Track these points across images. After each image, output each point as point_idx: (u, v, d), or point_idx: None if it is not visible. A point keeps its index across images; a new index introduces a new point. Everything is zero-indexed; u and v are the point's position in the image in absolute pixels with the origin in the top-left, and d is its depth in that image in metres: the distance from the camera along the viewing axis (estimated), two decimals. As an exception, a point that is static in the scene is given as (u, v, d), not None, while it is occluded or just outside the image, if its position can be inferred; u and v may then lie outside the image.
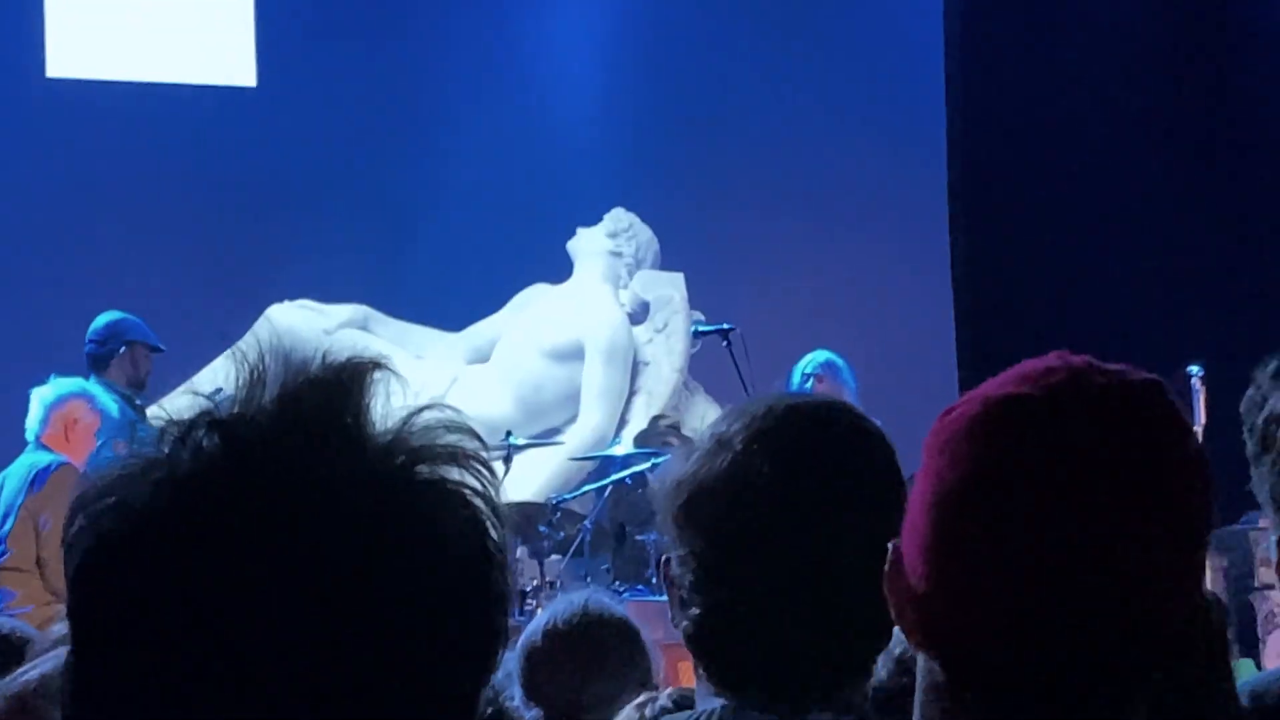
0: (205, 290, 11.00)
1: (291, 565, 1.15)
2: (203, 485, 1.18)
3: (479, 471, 1.26)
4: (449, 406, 1.27)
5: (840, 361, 9.42)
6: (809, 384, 9.09)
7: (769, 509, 2.05)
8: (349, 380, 1.25)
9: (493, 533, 1.26)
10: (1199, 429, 9.13)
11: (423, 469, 1.24)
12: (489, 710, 3.53)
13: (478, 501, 1.25)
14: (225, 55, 11.47)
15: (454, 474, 1.25)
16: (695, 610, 2.09)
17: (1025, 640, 1.44)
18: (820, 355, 9.37)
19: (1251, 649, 8.67)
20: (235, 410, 1.23)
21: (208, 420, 1.21)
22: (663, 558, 2.17)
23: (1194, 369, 9.21)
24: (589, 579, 9.01)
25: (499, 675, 3.42)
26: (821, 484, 1.94)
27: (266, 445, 1.20)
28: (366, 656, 1.17)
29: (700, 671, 2.11)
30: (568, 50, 12.02)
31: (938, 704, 1.49)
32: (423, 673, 1.19)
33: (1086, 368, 1.55)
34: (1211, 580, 9.56)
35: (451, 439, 1.26)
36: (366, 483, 1.20)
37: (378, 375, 1.25)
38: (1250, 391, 2.05)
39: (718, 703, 2.07)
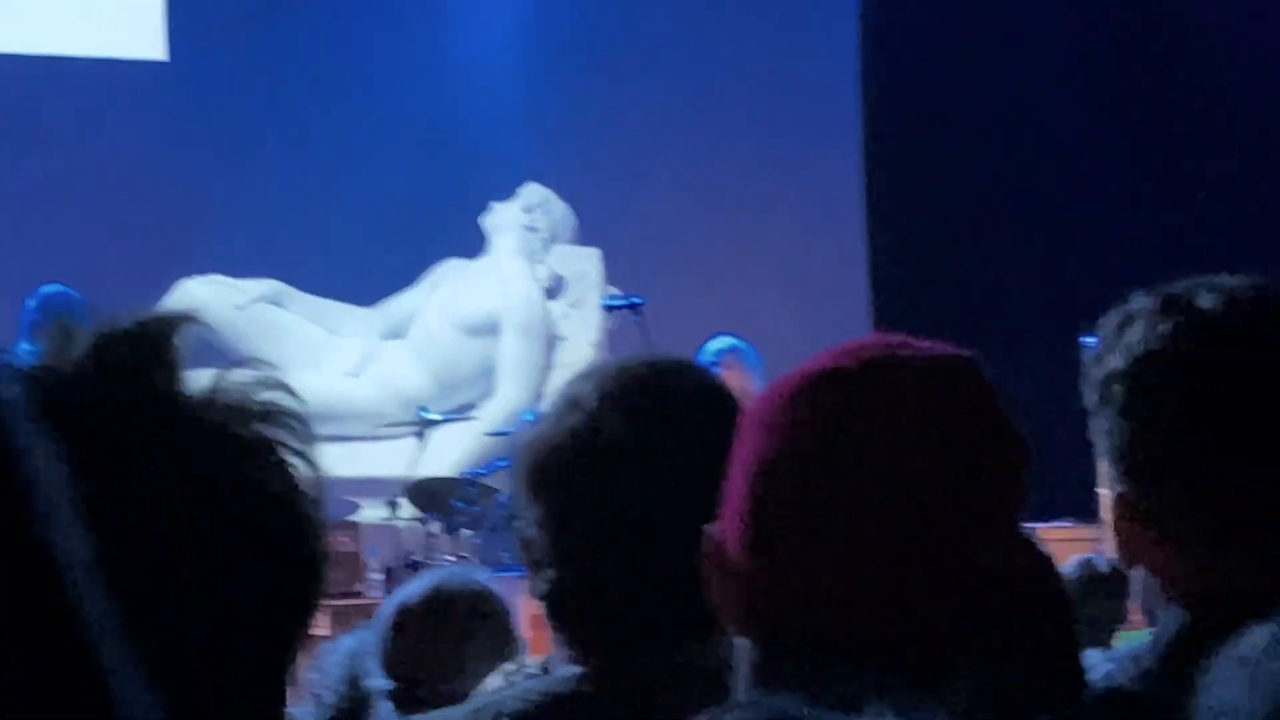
0: (116, 266, 10.90)
1: (100, 521, 1.10)
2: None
3: (295, 429, 1.24)
4: (267, 364, 1.25)
5: (745, 347, 9.42)
6: (716, 370, 9.04)
7: (619, 467, 2.02)
8: (159, 334, 1.21)
9: (309, 492, 1.23)
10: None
11: (237, 426, 1.21)
12: (347, 686, 3.53)
13: (294, 460, 1.23)
14: (135, 29, 11.37)
15: (269, 431, 1.22)
16: (549, 574, 2.06)
17: (841, 611, 1.46)
18: (725, 341, 9.35)
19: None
20: (40, 362, 1.19)
21: (8, 371, 1.13)
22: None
23: (1090, 341, 9.27)
24: (506, 555, 9.00)
25: (358, 650, 3.43)
26: (672, 441, 1.91)
27: (70, 396, 1.16)
28: (177, 614, 1.14)
29: (556, 637, 2.09)
30: (483, 23, 11.98)
31: (757, 685, 1.50)
32: (234, 631, 1.18)
33: (900, 344, 1.57)
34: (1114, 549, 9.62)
35: (267, 396, 1.23)
36: (178, 438, 1.18)
37: (190, 329, 1.22)
38: (1092, 340, 2.06)
39: (575, 669, 2.04)
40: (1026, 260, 12.23)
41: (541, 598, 2.08)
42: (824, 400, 1.51)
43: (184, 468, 1.18)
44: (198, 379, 1.21)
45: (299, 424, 1.24)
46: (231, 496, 1.19)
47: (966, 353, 1.57)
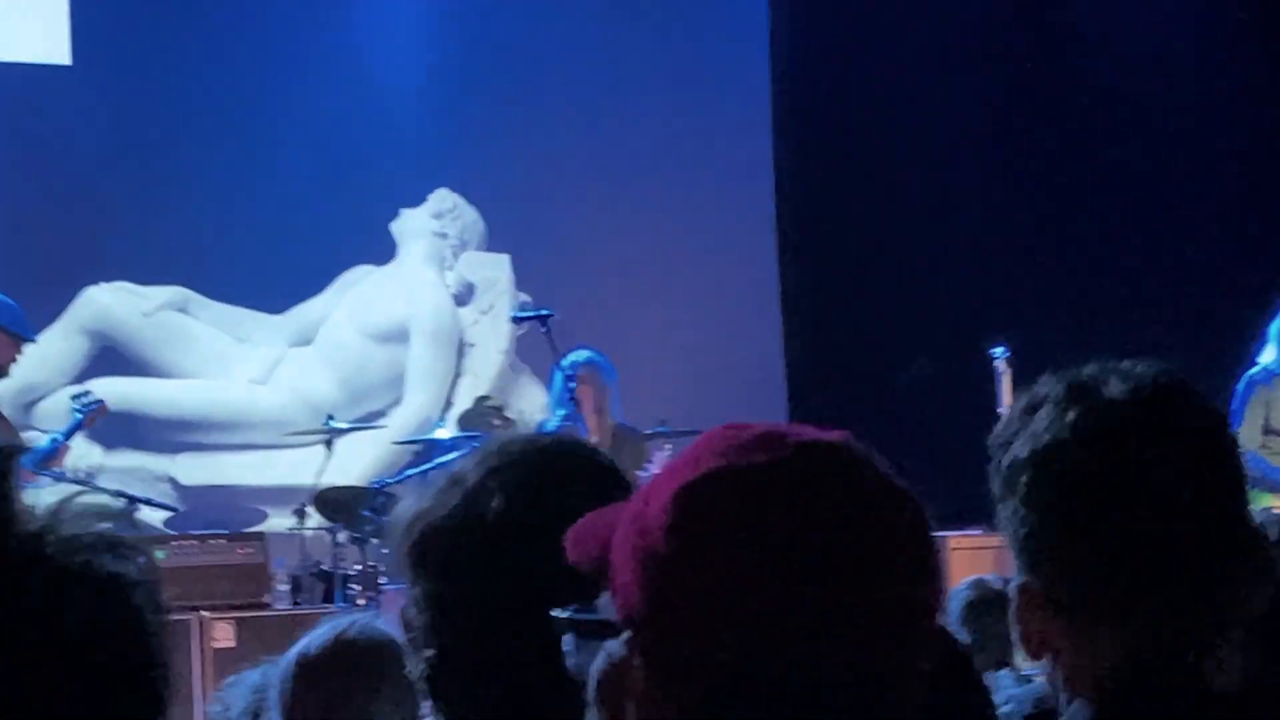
0: (20, 272, 10.78)
1: None
2: None
3: (134, 559, 1.22)
4: (105, 491, 1.24)
5: (601, 359, 9.46)
6: (571, 384, 9.08)
7: (500, 545, 1.98)
8: None
9: (149, 622, 1.22)
10: (1003, 411, 9.24)
11: (73, 558, 1.19)
12: None
13: (132, 591, 1.21)
14: (39, 32, 11.24)
15: (108, 562, 1.20)
16: (429, 653, 2.02)
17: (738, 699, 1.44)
18: (581, 355, 9.41)
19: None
20: None
21: None
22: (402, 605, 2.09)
23: (998, 350, 9.32)
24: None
25: (263, 685, 3.39)
26: (554, 521, 1.83)
27: None
28: None
29: (436, 715, 2.05)
30: (391, 27, 11.92)
31: None
32: None
33: (774, 435, 1.51)
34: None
35: (104, 526, 1.21)
36: (11, 572, 1.16)
37: (18, 461, 1.21)
38: (999, 426, 2.04)
39: None
40: (933, 274, 12.29)
41: (421, 675, 2.03)
42: (707, 506, 1.47)
43: (16, 603, 1.15)
44: (36, 512, 1.19)
45: (138, 554, 1.23)
46: (67, 631, 1.17)
47: (836, 439, 1.51)
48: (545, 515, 1.90)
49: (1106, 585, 1.91)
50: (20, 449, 1.20)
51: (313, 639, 3.26)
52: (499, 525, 1.99)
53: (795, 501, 1.45)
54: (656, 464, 8.93)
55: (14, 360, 8.90)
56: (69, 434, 9.07)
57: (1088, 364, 2.02)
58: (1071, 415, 1.95)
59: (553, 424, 9.08)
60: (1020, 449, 1.96)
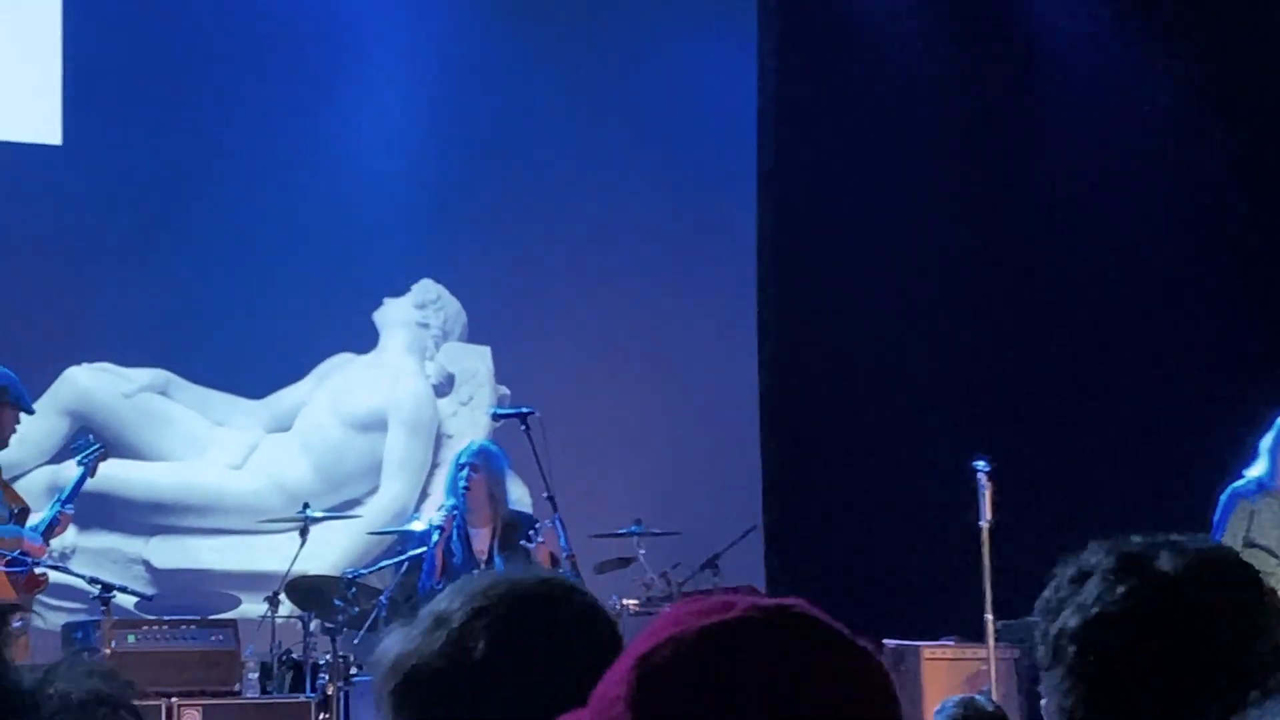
0: (2, 349, 10.76)
1: None
2: None
3: (127, 718, 1.23)
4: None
5: (494, 449, 9.53)
6: (464, 473, 9.13)
7: (484, 689, 1.96)
8: None
9: None
10: (985, 524, 9.24)
11: (68, 716, 1.21)
12: None
13: None
14: (30, 112, 11.27)
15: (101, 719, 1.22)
16: None
17: None
18: (474, 444, 9.53)
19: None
20: None
21: None
22: None
23: (980, 464, 9.32)
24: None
25: None
26: (540, 663, 1.85)
27: None
28: None
29: None
30: (377, 118, 11.97)
31: None
32: None
33: (724, 606, 1.50)
34: (1001, 672, 9.66)
35: (97, 686, 1.23)
36: None
37: (15, 624, 1.22)
38: (1047, 592, 2.02)
39: None
40: (913, 383, 12.32)
41: None
42: (662, 674, 1.47)
43: None
44: (30, 670, 1.20)
45: (130, 713, 1.24)
46: None
47: (789, 603, 1.50)
48: (531, 660, 1.89)
49: None
50: (14, 607, 1.22)
51: None
52: (485, 669, 1.98)
53: (747, 661, 1.44)
54: (543, 534, 8.94)
55: (14, 431, 8.94)
56: (74, 492, 9.08)
57: (1135, 535, 2.00)
58: (1122, 589, 1.94)
59: (441, 511, 9.10)
60: (1070, 619, 1.95)
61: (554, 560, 8.93)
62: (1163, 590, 1.93)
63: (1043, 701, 1.99)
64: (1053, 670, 1.95)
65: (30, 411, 9.07)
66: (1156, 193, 12.37)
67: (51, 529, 8.96)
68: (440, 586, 8.67)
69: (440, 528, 8.99)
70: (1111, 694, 1.92)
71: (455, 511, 9.05)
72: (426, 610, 2.08)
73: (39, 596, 8.90)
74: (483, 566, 8.94)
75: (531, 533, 8.92)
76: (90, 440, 9.51)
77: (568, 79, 12.36)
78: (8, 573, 8.38)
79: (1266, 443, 8.71)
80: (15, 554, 8.52)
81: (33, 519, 9.07)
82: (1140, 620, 1.92)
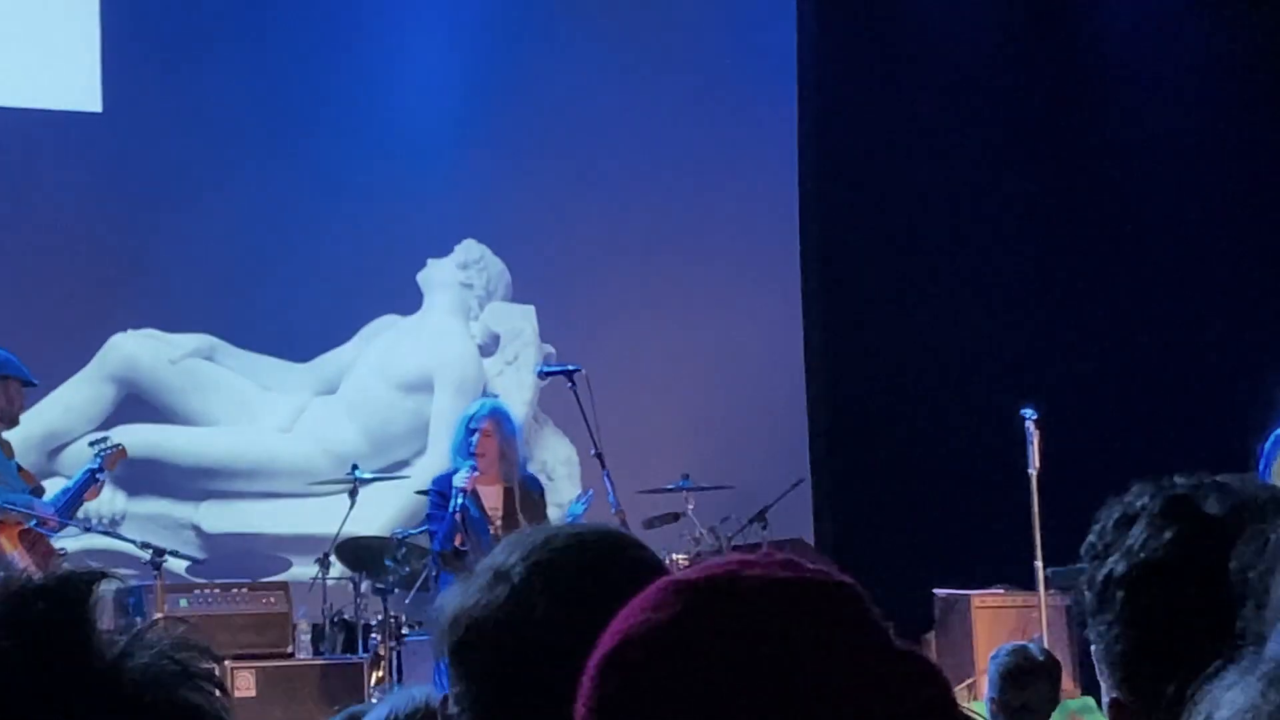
0: (48, 319, 10.82)
1: None
2: None
3: (208, 692, 1.22)
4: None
5: (505, 409, 9.41)
6: (474, 436, 9.03)
7: (546, 647, 1.91)
8: (75, 592, 1.20)
9: None
10: (1033, 472, 9.22)
11: (149, 690, 1.19)
12: None
13: None
14: (70, 80, 11.29)
15: (185, 695, 1.21)
16: None
17: None
18: (485, 406, 9.36)
19: (1093, 687, 8.74)
20: None
21: None
22: (442, 697, 2.05)
23: (1028, 412, 9.29)
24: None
25: None
26: (602, 621, 1.85)
27: None
28: None
29: None
30: (421, 79, 11.96)
31: None
32: None
33: (785, 563, 1.38)
34: (1051, 618, 9.65)
35: (181, 657, 1.22)
36: (91, 703, 1.16)
37: (104, 587, 1.21)
38: (1092, 536, 1.98)
39: None
40: (961, 333, 12.28)
41: None
42: (620, 678, 1.38)
43: None
44: (115, 640, 1.20)
45: (214, 686, 1.23)
46: None
47: (847, 580, 1.39)
48: (592, 617, 1.86)
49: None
50: (102, 575, 1.21)
51: (395, 707, 3.14)
52: (546, 626, 1.95)
53: (693, 658, 1.33)
54: None
55: (22, 408, 8.92)
56: (83, 481, 8.99)
57: (1181, 474, 1.97)
58: (1169, 534, 1.91)
59: (463, 473, 8.98)
60: (1116, 564, 1.92)
61: None
62: (1211, 533, 1.89)
63: (1092, 647, 1.97)
64: (1100, 616, 1.93)
65: (33, 384, 9.02)
66: (1216, 142, 12.28)
67: (70, 508, 8.88)
68: (457, 547, 8.66)
69: (463, 489, 8.92)
70: (1161, 640, 1.89)
71: (474, 473, 8.98)
72: (485, 564, 2.05)
73: (90, 561, 8.92)
74: (495, 526, 8.91)
75: (538, 495, 8.87)
76: (107, 438, 9.37)
77: (608, 34, 12.33)
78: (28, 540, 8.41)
79: None
80: (31, 524, 8.51)
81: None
82: (1188, 565, 1.88)
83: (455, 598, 2.04)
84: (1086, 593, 1.96)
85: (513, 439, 9.16)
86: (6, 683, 1.14)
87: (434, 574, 9.19)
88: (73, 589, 1.19)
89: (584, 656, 1.77)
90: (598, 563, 2.03)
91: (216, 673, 1.25)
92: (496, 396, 11.65)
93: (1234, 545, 1.84)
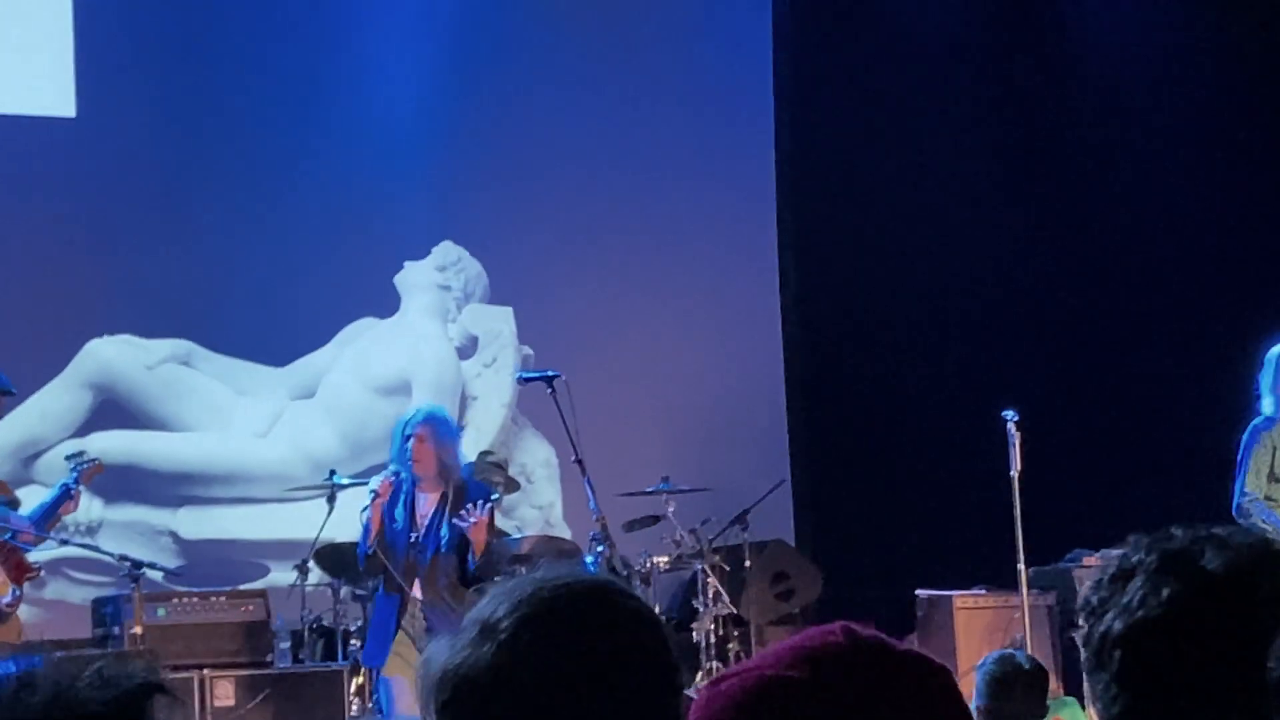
0: (23, 325, 10.76)
1: None
2: None
3: None
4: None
5: (442, 415, 9.25)
6: (409, 443, 8.93)
7: (536, 705, 1.89)
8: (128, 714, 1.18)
9: None
10: (1014, 474, 9.22)
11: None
12: None
13: None
14: (43, 85, 11.23)
15: None
16: None
17: None
18: (420, 413, 9.21)
19: (1076, 688, 8.73)
20: None
21: None
22: None
23: (1009, 414, 9.29)
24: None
25: None
26: (594, 674, 1.76)
27: None
28: None
29: None
30: (397, 82, 11.92)
31: None
32: None
33: (857, 649, 1.42)
34: (1033, 618, 9.64)
35: (138, 673, 1.19)
36: None
37: (161, 702, 1.18)
38: (1088, 591, 1.94)
39: None
40: (941, 336, 12.27)
41: None
42: (776, 710, 1.41)
43: None
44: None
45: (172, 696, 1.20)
46: None
47: (940, 663, 1.43)
48: (582, 671, 1.82)
49: None
50: (158, 686, 1.17)
51: None
52: (535, 685, 1.90)
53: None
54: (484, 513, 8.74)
55: (1, 417, 8.86)
56: (58, 497, 8.87)
57: (1177, 528, 1.92)
58: (1167, 591, 1.86)
59: (378, 478, 8.90)
60: (1113, 622, 1.88)
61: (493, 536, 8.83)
62: (1209, 592, 1.85)
63: (1089, 708, 1.94)
64: (1097, 675, 1.88)
65: (11, 393, 8.94)
66: (1188, 143, 12.28)
67: (47, 520, 8.80)
68: (372, 552, 8.63)
69: (376, 492, 8.82)
70: (1159, 701, 1.85)
71: (394, 478, 8.88)
72: (471, 617, 1.99)
73: (68, 571, 8.88)
74: (423, 532, 8.81)
75: (481, 502, 8.75)
76: (84, 452, 9.26)
77: (584, 38, 12.30)
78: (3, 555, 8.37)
79: (1266, 380, 8.64)
80: (7, 538, 8.45)
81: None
82: (1186, 624, 1.84)
83: (442, 653, 1.99)
84: (1083, 650, 1.91)
85: (449, 444, 9.03)
86: None
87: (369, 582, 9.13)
88: (128, 707, 1.18)
89: (573, 712, 1.72)
90: (587, 616, 1.97)
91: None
92: (475, 399, 11.63)
93: (1233, 604, 1.80)
